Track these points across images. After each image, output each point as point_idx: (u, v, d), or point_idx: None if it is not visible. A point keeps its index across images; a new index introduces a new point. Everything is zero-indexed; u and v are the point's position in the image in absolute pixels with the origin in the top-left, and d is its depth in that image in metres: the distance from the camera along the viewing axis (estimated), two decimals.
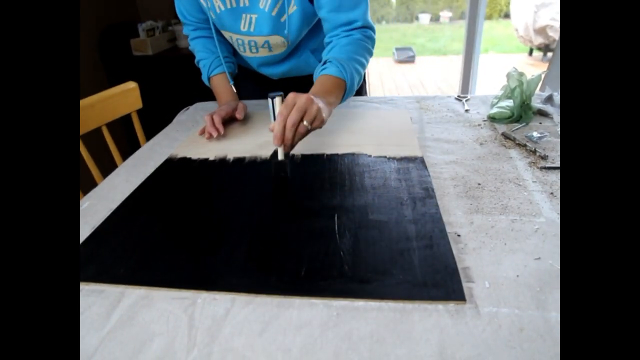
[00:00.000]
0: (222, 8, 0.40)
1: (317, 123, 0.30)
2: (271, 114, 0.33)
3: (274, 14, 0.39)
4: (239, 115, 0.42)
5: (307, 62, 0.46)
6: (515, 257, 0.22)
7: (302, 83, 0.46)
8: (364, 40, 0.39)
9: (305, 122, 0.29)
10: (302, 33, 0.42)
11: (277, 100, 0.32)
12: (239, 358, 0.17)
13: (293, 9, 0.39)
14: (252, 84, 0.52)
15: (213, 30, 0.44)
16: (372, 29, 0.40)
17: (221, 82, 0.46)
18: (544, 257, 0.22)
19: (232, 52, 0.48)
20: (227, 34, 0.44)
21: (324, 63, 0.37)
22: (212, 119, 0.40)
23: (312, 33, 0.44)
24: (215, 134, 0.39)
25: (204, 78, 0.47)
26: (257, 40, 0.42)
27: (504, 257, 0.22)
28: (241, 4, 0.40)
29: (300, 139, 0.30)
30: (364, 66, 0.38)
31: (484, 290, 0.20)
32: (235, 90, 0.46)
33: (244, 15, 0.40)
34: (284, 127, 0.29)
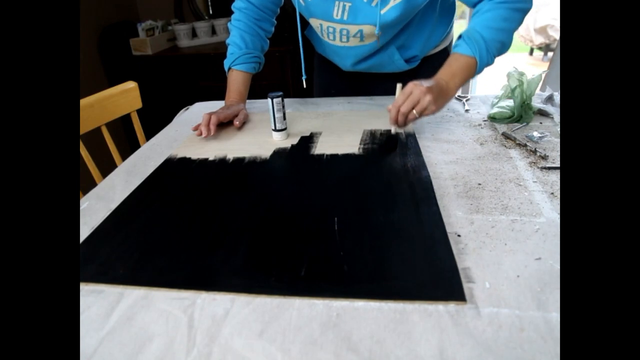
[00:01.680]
0: None
1: (428, 112, 0.34)
2: (271, 114, 0.34)
3: (373, 4, 0.37)
4: (237, 123, 0.42)
5: (391, 59, 0.44)
6: (515, 258, 0.22)
7: (378, 79, 0.45)
8: (509, 6, 0.35)
9: (415, 112, 0.34)
10: (398, 26, 0.40)
11: (277, 100, 0.33)
12: (239, 358, 0.17)
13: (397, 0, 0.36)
14: (327, 74, 0.50)
15: (256, 18, 0.42)
16: None
17: (237, 79, 0.45)
18: (544, 258, 0.22)
19: (264, 49, 0.46)
20: (315, 22, 0.42)
21: (458, 38, 0.36)
22: (209, 119, 0.40)
23: (402, 29, 0.41)
24: (205, 134, 0.39)
25: (225, 64, 0.45)
26: (349, 29, 0.40)
27: (504, 258, 0.22)
28: None
29: (410, 122, 0.35)
30: (506, 31, 0.35)
31: (484, 291, 0.20)
32: (245, 92, 0.45)
33: (337, 3, 0.38)
34: (397, 112, 0.34)
